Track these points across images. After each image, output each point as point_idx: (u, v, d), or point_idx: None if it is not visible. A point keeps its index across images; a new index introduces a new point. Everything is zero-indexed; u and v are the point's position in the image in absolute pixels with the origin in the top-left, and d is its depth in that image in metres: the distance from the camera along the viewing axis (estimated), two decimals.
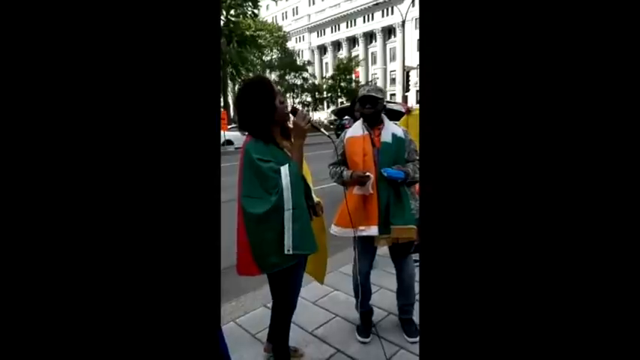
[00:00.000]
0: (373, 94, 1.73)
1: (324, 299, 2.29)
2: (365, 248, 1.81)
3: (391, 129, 1.77)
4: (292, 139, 1.36)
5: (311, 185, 1.42)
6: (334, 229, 1.78)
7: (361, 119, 1.82)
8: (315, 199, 1.43)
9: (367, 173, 1.66)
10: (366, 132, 1.76)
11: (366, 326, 1.89)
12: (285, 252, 1.23)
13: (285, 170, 1.23)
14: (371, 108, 1.74)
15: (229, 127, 13.58)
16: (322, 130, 1.48)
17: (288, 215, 1.21)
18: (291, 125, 1.38)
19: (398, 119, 3.01)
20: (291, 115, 1.36)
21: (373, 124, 1.78)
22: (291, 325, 2.00)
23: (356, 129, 1.80)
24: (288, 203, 1.21)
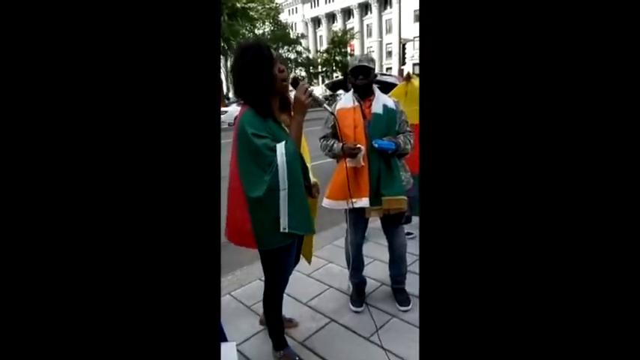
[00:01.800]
0: (365, 64, 1.69)
1: (319, 271, 2.33)
2: (357, 220, 1.82)
3: (382, 100, 1.74)
4: (292, 114, 1.27)
5: (309, 165, 1.36)
6: (326, 202, 1.78)
7: (352, 90, 1.79)
8: (312, 179, 1.38)
9: (358, 145, 1.64)
10: (356, 103, 1.73)
11: (359, 296, 1.93)
12: (281, 230, 1.20)
13: (281, 148, 1.15)
14: (364, 79, 1.71)
15: (227, 102, 13.42)
16: (325, 105, 1.35)
17: (283, 195, 1.16)
18: (291, 98, 1.28)
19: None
20: (291, 86, 1.25)
21: (364, 95, 1.75)
22: (287, 297, 2.04)
23: (346, 100, 1.77)
24: (283, 183, 1.15)
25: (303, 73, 28.38)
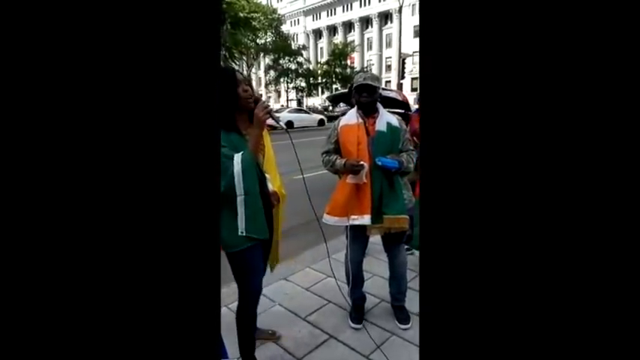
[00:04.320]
0: (370, 82, 1.70)
1: (317, 285, 2.31)
2: (357, 237, 1.82)
3: (386, 118, 1.75)
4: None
5: (269, 175, 1.46)
6: (326, 218, 1.78)
7: (355, 107, 1.80)
8: (271, 188, 1.47)
9: (361, 162, 1.64)
10: (360, 120, 1.74)
11: (358, 313, 1.92)
12: (239, 234, 1.32)
13: (237, 158, 1.28)
14: (368, 97, 1.71)
15: (288, 109, 16.33)
16: (281, 123, 1.49)
17: (240, 200, 1.30)
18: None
19: (393, 107, 2.98)
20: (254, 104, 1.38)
21: (368, 113, 1.76)
22: (285, 310, 2.03)
23: (350, 117, 1.78)
24: (239, 189, 1.28)
25: (303, 84, 28.61)
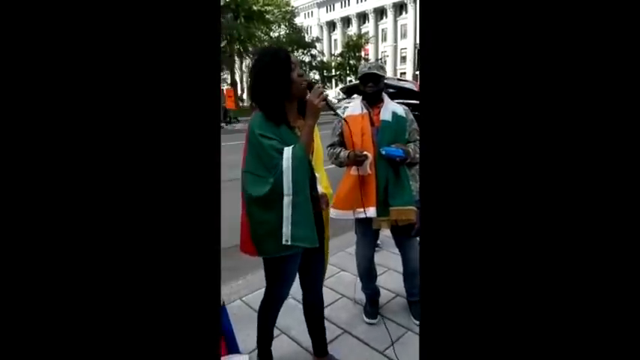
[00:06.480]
0: (375, 71, 1.66)
1: (331, 279, 2.28)
2: (365, 231, 1.78)
3: (391, 107, 1.70)
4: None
5: (319, 174, 1.27)
6: (332, 212, 1.73)
7: (360, 97, 1.76)
8: (321, 190, 1.27)
9: (365, 152, 1.59)
10: (365, 110, 1.70)
11: (372, 308, 1.88)
12: (283, 242, 1.13)
13: (287, 152, 1.11)
14: (373, 86, 1.67)
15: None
16: (338, 112, 1.30)
17: (287, 201, 1.10)
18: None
19: (410, 98, 2.91)
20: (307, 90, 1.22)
21: (373, 103, 1.71)
22: (297, 304, 2.00)
23: (355, 107, 1.73)
24: (287, 188, 1.10)
25: (317, 77, 28.49)
